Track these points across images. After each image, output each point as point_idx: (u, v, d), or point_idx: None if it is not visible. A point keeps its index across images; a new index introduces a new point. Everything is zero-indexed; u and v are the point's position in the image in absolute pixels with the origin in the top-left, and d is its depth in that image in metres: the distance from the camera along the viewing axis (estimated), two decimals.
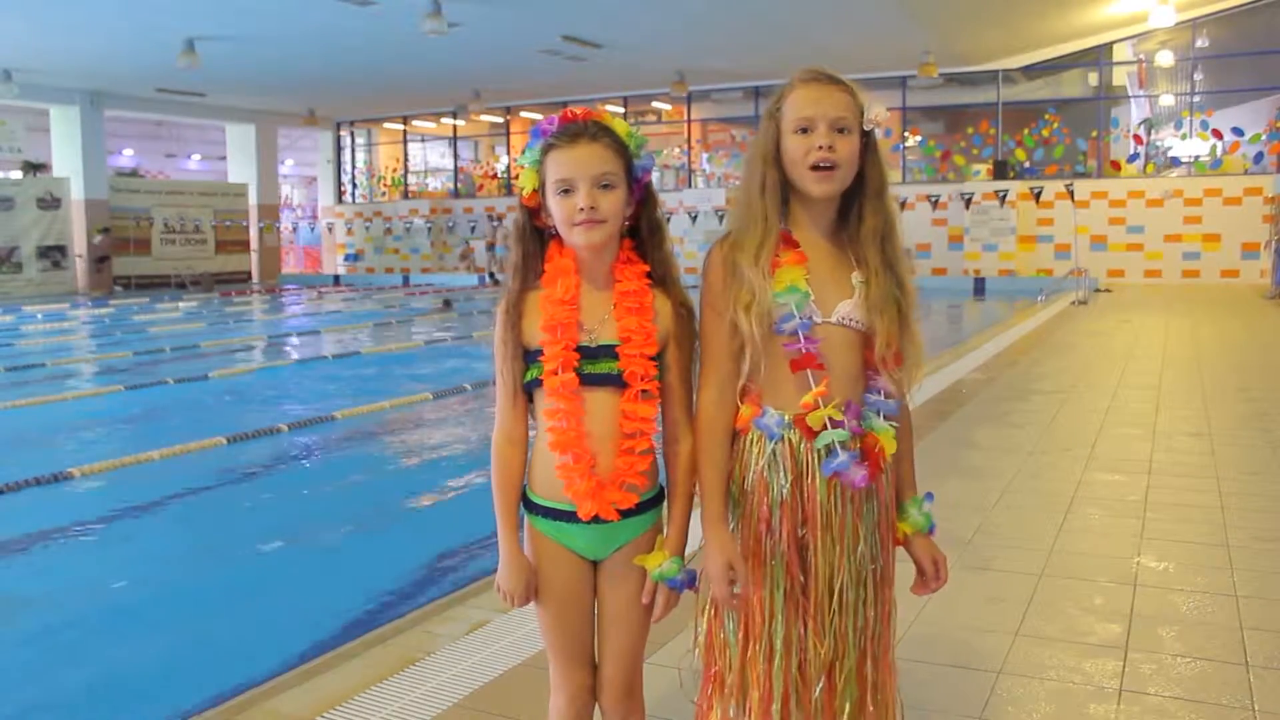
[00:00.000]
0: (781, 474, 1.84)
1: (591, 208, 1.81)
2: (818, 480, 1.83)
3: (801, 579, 1.86)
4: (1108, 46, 21.95)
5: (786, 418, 1.84)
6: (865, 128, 1.82)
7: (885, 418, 1.86)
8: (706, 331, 1.89)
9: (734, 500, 1.90)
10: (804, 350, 1.81)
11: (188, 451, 6.50)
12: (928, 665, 2.93)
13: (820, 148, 1.77)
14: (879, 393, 1.85)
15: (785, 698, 1.85)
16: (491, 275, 24.20)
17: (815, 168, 1.79)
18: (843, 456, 1.81)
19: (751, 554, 1.87)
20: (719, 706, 1.93)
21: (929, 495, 1.97)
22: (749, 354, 1.83)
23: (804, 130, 1.79)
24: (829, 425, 1.81)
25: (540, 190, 1.88)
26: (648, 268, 1.92)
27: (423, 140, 31.35)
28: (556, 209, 1.85)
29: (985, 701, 2.75)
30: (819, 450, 1.83)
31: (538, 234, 1.94)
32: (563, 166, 1.83)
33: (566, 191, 1.83)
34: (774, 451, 1.85)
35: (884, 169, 1.87)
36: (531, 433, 1.95)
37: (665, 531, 1.94)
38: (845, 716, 1.87)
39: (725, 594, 1.83)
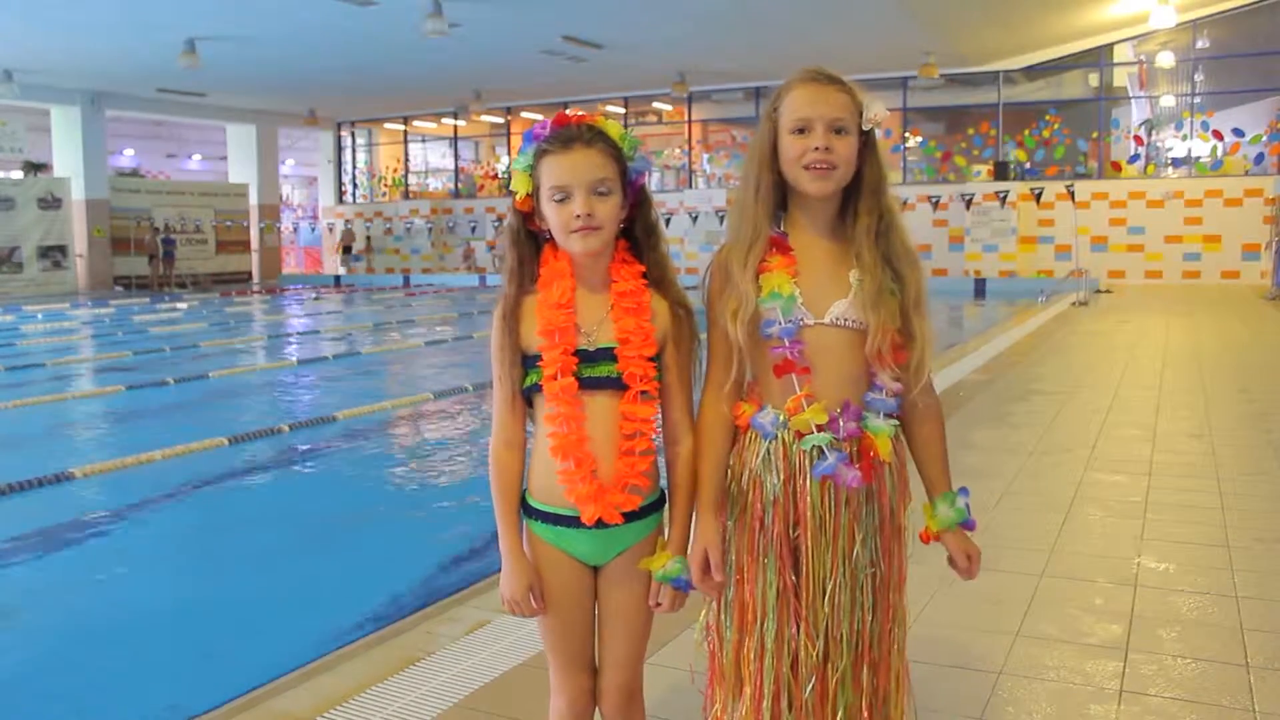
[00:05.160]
0: (774, 473, 1.85)
1: (588, 215, 1.80)
2: (809, 481, 1.83)
3: (793, 579, 1.85)
4: (1108, 47, 21.97)
5: (781, 417, 1.84)
6: (864, 127, 1.81)
7: (887, 417, 1.85)
8: (709, 333, 1.91)
9: (731, 497, 1.91)
10: (786, 355, 1.81)
11: (190, 452, 6.50)
12: (928, 665, 2.93)
13: (817, 149, 1.77)
14: (881, 392, 1.84)
15: (776, 696, 1.85)
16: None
17: (811, 167, 1.79)
18: (831, 459, 1.81)
19: (746, 550, 1.88)
20: (720, 698, 1.94)
21: (963, 490, 1.93)
22: (736, 359, 1.85)
23: (801, 131, 1.79)
24: (814, 429, 1.81)
25: (534, 194, 1.87)
26: (644, 268, 1.91)
27: (423, 140, 31.38)
28: (552, 216, 1.84)
29: (986, 702, 2.75)
30: (809, 452, 1.82)
31: (532, 237, 1.93)
32: (558, 173, 1.82)
33: (562, 198, 1.82)
34: (768, 450, 1.85)
35: (882, 167, 1.86)
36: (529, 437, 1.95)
37: (668, 533, 1.94)
38: None
39: (698, 579, 1.87)
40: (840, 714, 1.86)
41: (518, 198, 1.89)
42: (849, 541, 1.84)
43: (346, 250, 29.10)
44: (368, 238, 29.20)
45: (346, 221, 29.70)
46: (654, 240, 1.93)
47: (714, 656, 1.97)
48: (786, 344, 1.81)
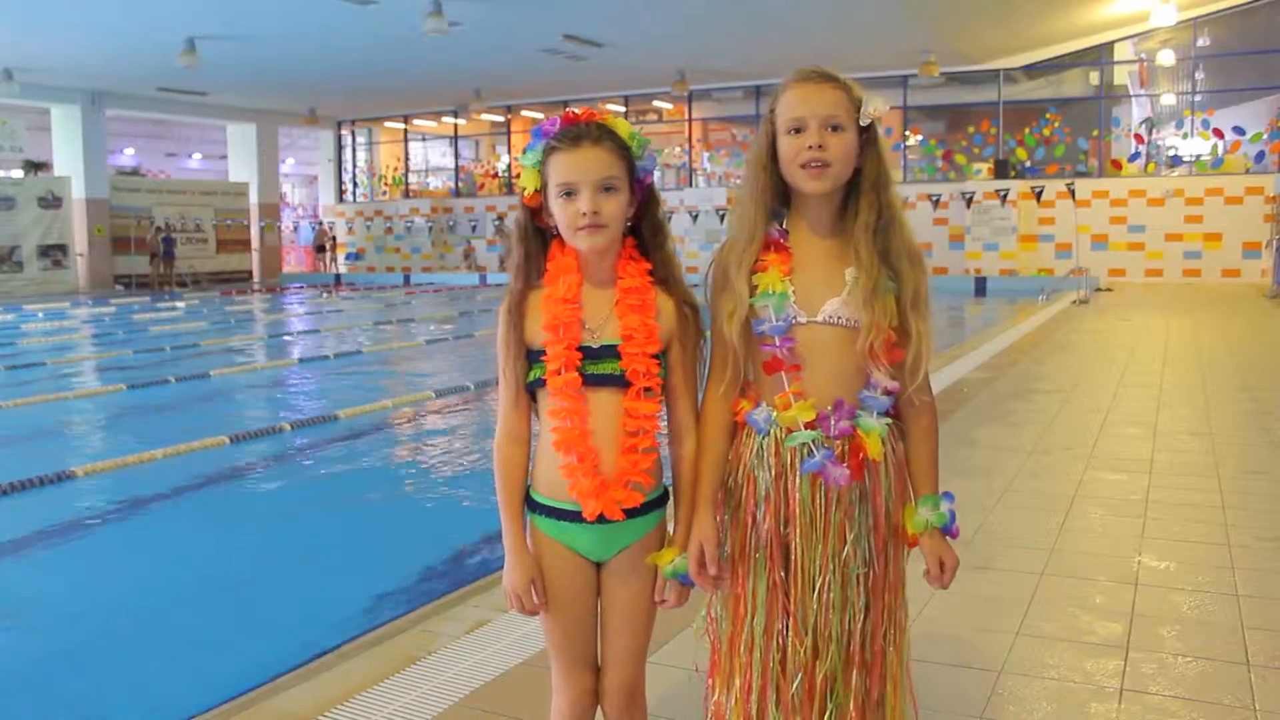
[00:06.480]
0: (766, 469, 1.85)
1: (594, 212, 1.81)
2: (800, 478, 1.83)
3: (782, 575, 1.86)
4: (1109, 46, 21.96)
5: (774, 414, 1.85)
6: (862, 122, 1.81)
7: (881, 416, 1.85)
8: (711, 331, 1.92)
9: (727, 490, 1.92)
10: (775, 353, 1.81)
11: (191, 450, 6.50)
12: (929, 664, 2.93)
13: (811, 147, 1.78)
14: (875, 390, 1.84)
15: (764, 690, 1.86)
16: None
17: (806, 165, 1.79)
18: (818, 456, 1.81)
19: (739, 545, 1.89)
20: (719, 688, 1.95)
21: (947, 495, 1.90)
22: (731, 359, 1.86)
23: (796, 130, 1.80)
24: (801, 426, 1.82)
25: (542, 191, 1.88)
26: (650, 265, 1.92)
27: (424, 139, 31.38)
28: (559, 212, 1.85)
29: (986, 700, 2.75)
30: (799, 449, 1.83)
31: (539, 233, 1.94)
32: (565, 170, 1.83)
33: (569, 195, 1.83)
34: (760, 446, 1.86)
35: (883, 163, 1.85)
36: (533, 433, 1.95)
37: (673, 529, 1.94)
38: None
39: (694, 573, 1.88)
40: (829, 714, 1.85)
41: (526, 194, 1.90)
42: (839, 540, 1.84)
43: (320, 249, 29.51)
44: (333, 237, 29.67)
45: (320, 221, 30.26)
46: (660, 239, 1.94)
47: (714, 648, 1.99)
48: (776, 342, 1.82)
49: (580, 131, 1.84)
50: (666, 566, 1.90)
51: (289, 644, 3.52)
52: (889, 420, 1.87)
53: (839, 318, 1.82)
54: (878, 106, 1.82)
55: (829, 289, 1.83)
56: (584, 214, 1.81)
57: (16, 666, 3.62)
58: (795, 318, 1.83)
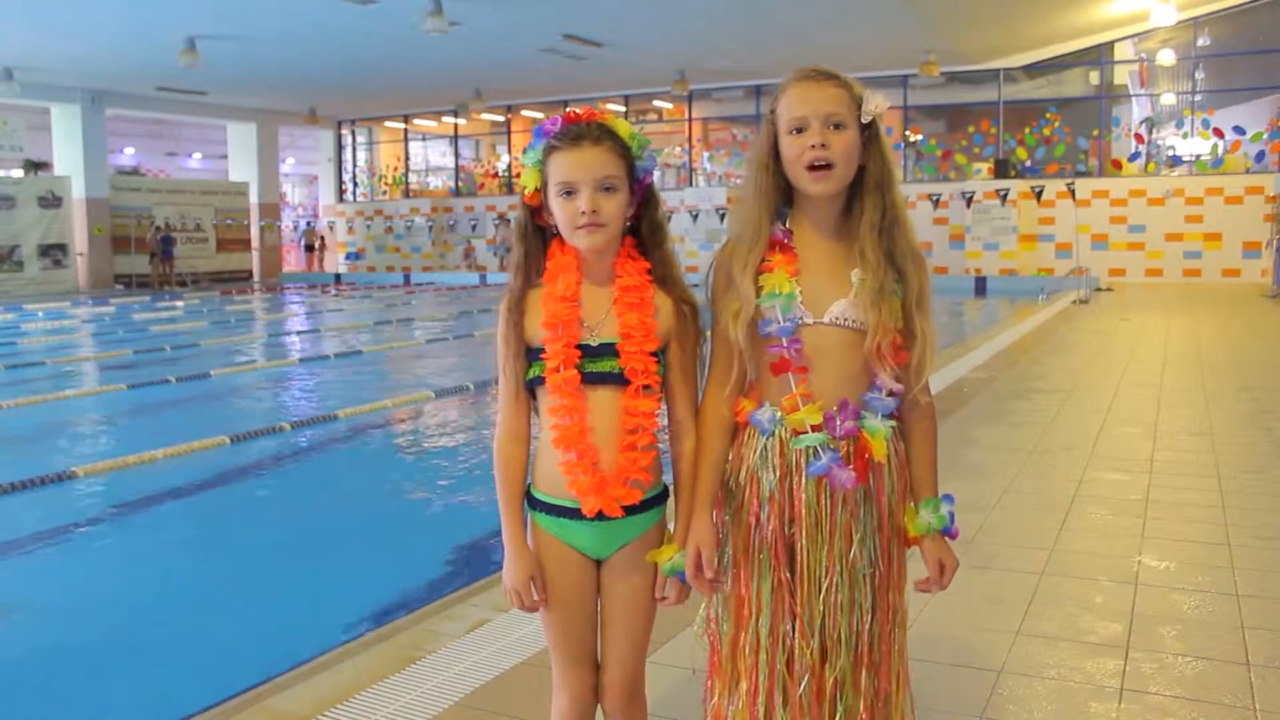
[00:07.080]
0: (770, 470, 1.85)
1: (593, 211, 1.82)
2: (805, 479, 1.82)
3: (788, 576, 1.85)
4: (1109, 45, 21.97)
5: (779, 415, 1.84)
6: (863, 119, 1.80)
7: (885, 417, 1.85)
8: (712, 332, 1.92)
9: (729, 492, 1.91)
10: (783, 354, 1.81)
11: (191, 451, 6.50)
12: (928, 664, 2.93)
13: (813, 146, 1.77)
14: (880, 391, 1.83)
15: (770, 691, 1.85)
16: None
17: (811, 167, 1.78)
18: (824, 458, 1.81)
19: (741, 546, 1.89)
20: (718, 690, 1.95)
21: (947, 497, 1.90)
22: (737, 360, 1.85)
23: (798, 130, 1.79)
24: (809, 428, 1.81)
25: (542, 190, 1.89)
26: (649, 264, 1.92)
27: (424, 139, 31.38)
28: (559, 211, 1.85)
29: (986, 700, 2.75)
30: (804, 451, 1.82)
31: (540, 232, 1.94)
32: (565, 169, 1.84)
33: (569, 194, 1.83)
34: (765, 447, 1.86)
35: (887, 161, 1.84)
36: (535, 430, 1.96)
37: (673, 527, 1.95)
38: None
39: (691, 576, 1.87)
40: (839, 716, 1.85)
41: (526, 192, 1.91)
42: (845, 541, 1.84)
43: (310, 249, 29.89)
44: (321, 236, 30.12)
45: (309, 220, 30.78)
46: (660, 238, 1.95)
47: (714, 649, 1.98)
48: (784, 343, 1.81)
49: (581, 131, 1.85)
50: (666, 564, 1.90)
51: (289, 642, 3.52)
52: (893, 423, 1.87)
53: (846, 319, 1.82)
54: (878, 103, 1.81)
55: (835, 290, 1.83)
56: (583, 213, 1.82)
57: (16, 665, 3.61)
58: (802, 319, 1.82)
